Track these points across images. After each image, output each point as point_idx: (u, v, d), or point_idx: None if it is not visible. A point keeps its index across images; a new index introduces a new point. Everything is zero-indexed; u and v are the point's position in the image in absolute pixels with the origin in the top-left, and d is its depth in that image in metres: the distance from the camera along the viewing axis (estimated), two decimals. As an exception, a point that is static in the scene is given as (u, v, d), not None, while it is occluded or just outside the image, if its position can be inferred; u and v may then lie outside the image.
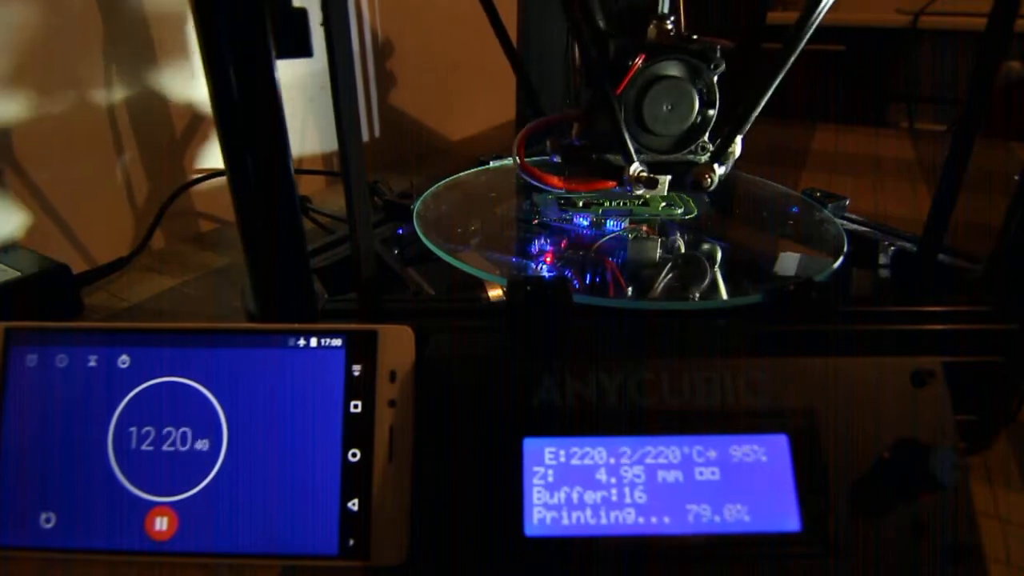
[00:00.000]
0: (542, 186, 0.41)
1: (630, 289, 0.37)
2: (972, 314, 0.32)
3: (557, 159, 0.42)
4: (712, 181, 0.37)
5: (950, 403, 0.26)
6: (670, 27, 0.38)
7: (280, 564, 0.26)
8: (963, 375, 0.27)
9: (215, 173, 0.61)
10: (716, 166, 0.37)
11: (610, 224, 0.42)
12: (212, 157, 0.62)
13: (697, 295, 0.36)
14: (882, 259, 0.43)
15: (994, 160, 0.78)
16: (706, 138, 0.38)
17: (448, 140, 0.94)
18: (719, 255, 0.41)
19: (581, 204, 0.43)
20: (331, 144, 0.74)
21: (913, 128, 1.21)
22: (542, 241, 0.42)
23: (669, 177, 0.37)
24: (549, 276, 0.33)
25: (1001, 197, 0.34)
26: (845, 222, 0.45)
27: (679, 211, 0.44)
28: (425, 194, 0.47)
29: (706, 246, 0.41)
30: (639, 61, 0.36)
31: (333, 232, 0.51)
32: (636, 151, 0.37)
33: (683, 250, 0.41)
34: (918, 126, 1.23)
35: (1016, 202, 0.33)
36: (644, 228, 0.42)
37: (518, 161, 0.41)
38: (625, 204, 0.44)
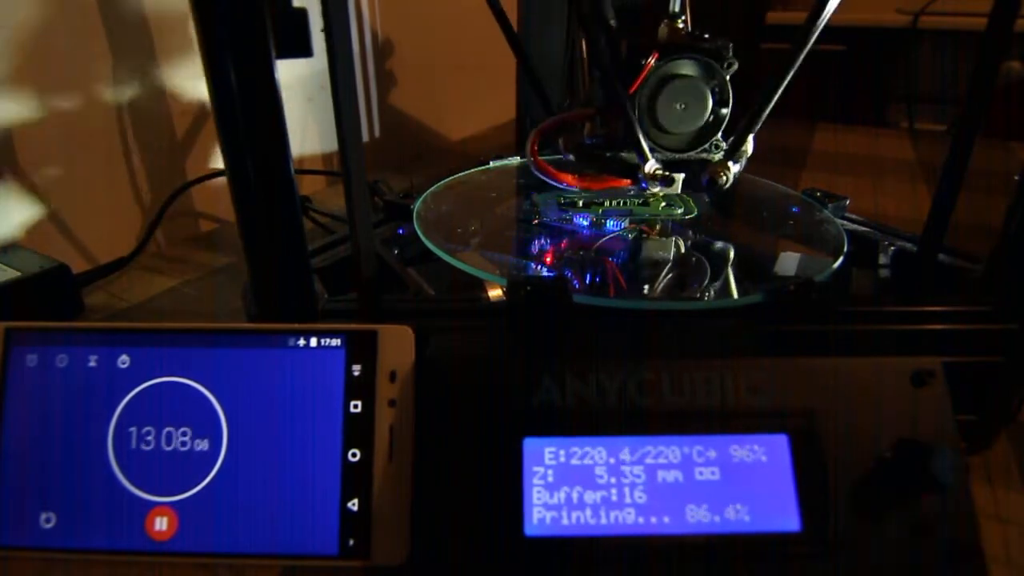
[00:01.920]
0: (556, 184, 0.41)
1: (630, 289, 0.37)
2: (972, 314, 0.32)
3: (570, 157, 0.42)
4: (728, 179, 0.37)
5: (950, 403, 0.26)
6: (681, 26, 0.38)
7: (280, 564, 0.26)
8: (963, 375, 0.27)
9: (215, 173, 0.61)
10: (731, 164, 0.37)
11: (610, 224, 0.42)
12: (212, 157, 0.62)
13: (697, 295, 0.36)
14: (882, 259, 0.43)
15: (994, 160, 0.78)
16: (719, 136, 0.38)
17: (448, 140, 0.94)
18: (719, 255, 0.41)
19: (581, 204, 0.43)
20: (331, 144, 0.74)
21: (913, 128, 1.21)
22: (542, 241, 0.42)
23: (683, 175, 0.38)
24: (549, 276, 0.33)
25: (1001, 197, 0.34)
26: (845, 222, 0.45)
27: (679, 211, 0.44)
28: (425, 194, 0.47)
29: (706, 246, 0.41)
30: (652, 60, 0.36)
31: (333, 232, 0.51)
32: (650, 149, 0.37)
33: (683, 250, 0.41)
34: (918, 126, 1.23)
35: (1016, 202, 0.33)
36: (644, 228, 0.42)
37: (532, 159, 0.41)
38: (625, 204, 0.43)
